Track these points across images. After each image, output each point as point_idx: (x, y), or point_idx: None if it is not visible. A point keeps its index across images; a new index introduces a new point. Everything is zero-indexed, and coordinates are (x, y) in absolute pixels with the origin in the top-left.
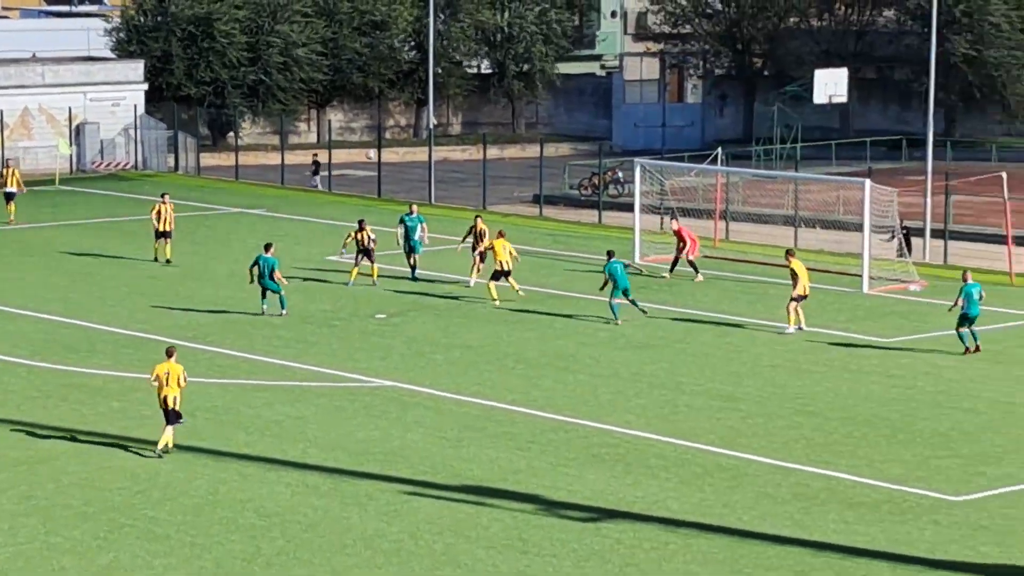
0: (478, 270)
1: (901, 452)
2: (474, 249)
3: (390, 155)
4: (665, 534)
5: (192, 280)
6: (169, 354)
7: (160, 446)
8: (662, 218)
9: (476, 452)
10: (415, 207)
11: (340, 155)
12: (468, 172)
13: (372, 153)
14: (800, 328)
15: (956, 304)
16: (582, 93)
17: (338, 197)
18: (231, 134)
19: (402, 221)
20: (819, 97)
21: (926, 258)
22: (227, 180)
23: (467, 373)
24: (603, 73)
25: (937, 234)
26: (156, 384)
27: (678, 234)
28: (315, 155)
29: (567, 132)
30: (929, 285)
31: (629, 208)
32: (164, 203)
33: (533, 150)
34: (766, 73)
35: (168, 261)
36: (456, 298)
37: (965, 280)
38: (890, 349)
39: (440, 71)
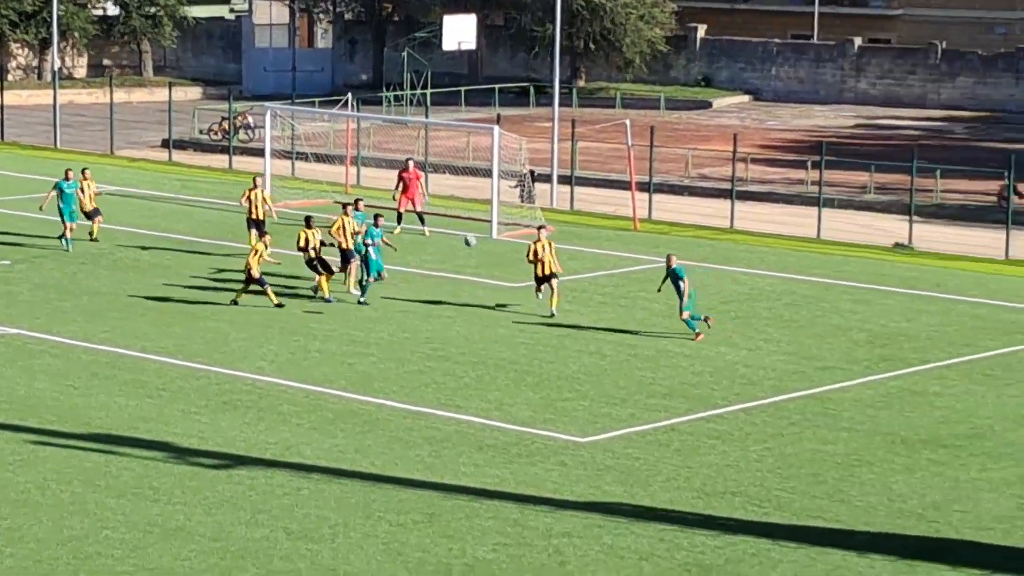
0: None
1: (529, 395)
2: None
3: (13, 98)
4: (298, 480)
5: None
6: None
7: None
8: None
9: (105, 400)
10: (71, 173)
11: None
12: (95, 116)
13: None
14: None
15: (685, 291)
16: (211, 36)
17: None
18: None
19: (58, 187)
20: (448, 43)
21: (553, 204)
22: None
23: (95, 320)
24: (232, 16)
25: (564, 180)
26: None
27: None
28: None
29: (196, 76)
30: (555, 230)
31: (260, 153)
32: (256, 187)
33: (162, 94)
34: (396, 19)
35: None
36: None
37: (671, 264)
38: (518, 293)
39: (64, 12)
